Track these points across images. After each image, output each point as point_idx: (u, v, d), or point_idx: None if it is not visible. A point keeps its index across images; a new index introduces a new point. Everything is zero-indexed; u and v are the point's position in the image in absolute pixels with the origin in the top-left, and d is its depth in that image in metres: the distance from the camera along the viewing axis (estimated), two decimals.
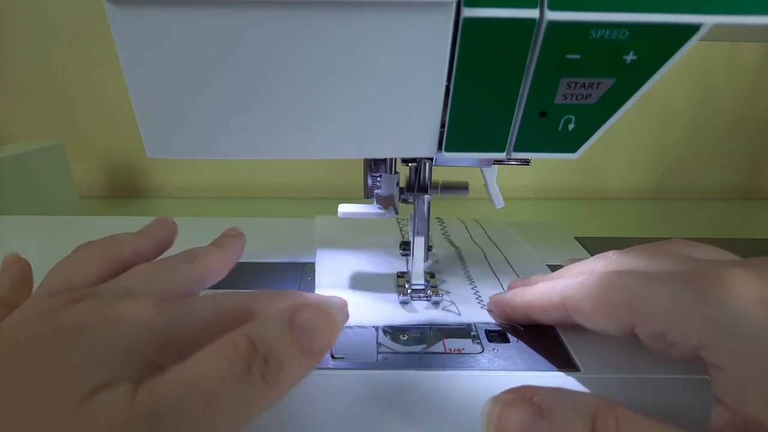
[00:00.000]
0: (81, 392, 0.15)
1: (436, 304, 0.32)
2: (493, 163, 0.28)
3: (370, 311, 0.31)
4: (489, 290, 0.33)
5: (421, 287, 0.32)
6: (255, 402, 0.17)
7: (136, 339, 0.18)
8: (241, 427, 0.17)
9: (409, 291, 0.32)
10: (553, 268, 0.37)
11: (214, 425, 0.16)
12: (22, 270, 0.24)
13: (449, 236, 0.44)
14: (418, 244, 0.31)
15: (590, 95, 0.21)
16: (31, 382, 0.15)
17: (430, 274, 0.35)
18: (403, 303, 0.32)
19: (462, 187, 0.31)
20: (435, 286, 0.33)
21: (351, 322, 0.30)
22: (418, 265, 0.32)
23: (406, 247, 0.33)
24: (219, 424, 0.16)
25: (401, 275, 0.35)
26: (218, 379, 0.16)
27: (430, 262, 0.36)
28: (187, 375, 0.16)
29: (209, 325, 0.20)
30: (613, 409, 0.17)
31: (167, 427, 0.15)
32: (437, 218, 0.46)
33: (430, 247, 0.32)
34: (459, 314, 0.31)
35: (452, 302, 0.33)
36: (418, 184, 0.30)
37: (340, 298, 0.27)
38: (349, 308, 0.30)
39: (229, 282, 0.34)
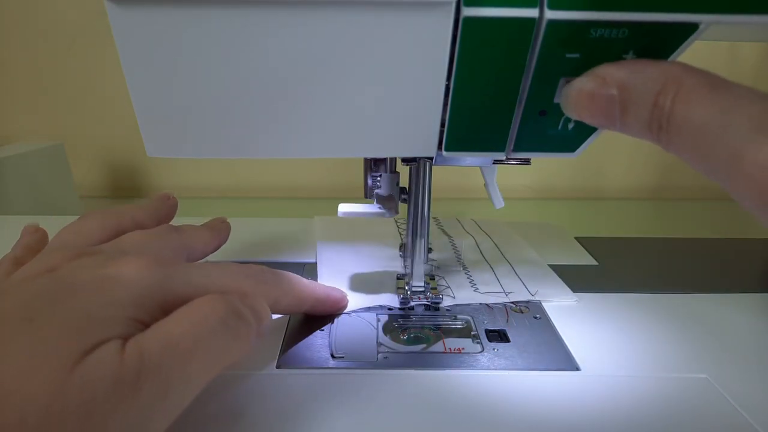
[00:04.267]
0: (76, 353, 0.16)
1: (435, 305, 0.32)
2: (493, 163, 0.28)
3: (370, 298, 0.32)
4: (481, 275, 0.35)
5: (421, 289, 0.32)
6: (229, 353, 0.20)
7: (127, 299, 0.19)
8: (216, 373, 0.20)
9: (409, 293, 0.32)
10: (554, 268, 0.37)
11: (190, 374, 0.18)
12: (39, 237, 0.26)
13: (442, 225, 0.45)
14: (418, 246, 0.31)
15: None
16: (30, 339, 0.16)
17: (429, 276, 0.35)
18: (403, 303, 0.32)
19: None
20: (435, 288, 0.33)
21: (351, 308, 0.31)
22: (417, 267, 0.32)
23: (405, 248, 0.33)
24: (196, 372, 0.19)
25: (401, 277, 0.35)
26: (196, 332, 0.19)
27: (429, 265, 0.37)
28: (168, 329, 0.19)
29: (198, 288, 0.21)
30: (677, 82, 0.17)
31: (153, 377, 0.17)
32: (434, 218, 0.46)
33: (430, 249, 0.33)
34: (454, 297, 0.32)
35: (447, 286, 0.34)
36: (417, 185, 0.30)
37: (339, 290, 0.30)
38: (351, 302, 0.31)
39: None
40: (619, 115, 0.19)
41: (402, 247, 0.33)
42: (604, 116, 0.19)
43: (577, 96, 0.20)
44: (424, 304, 0.32)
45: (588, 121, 0.20)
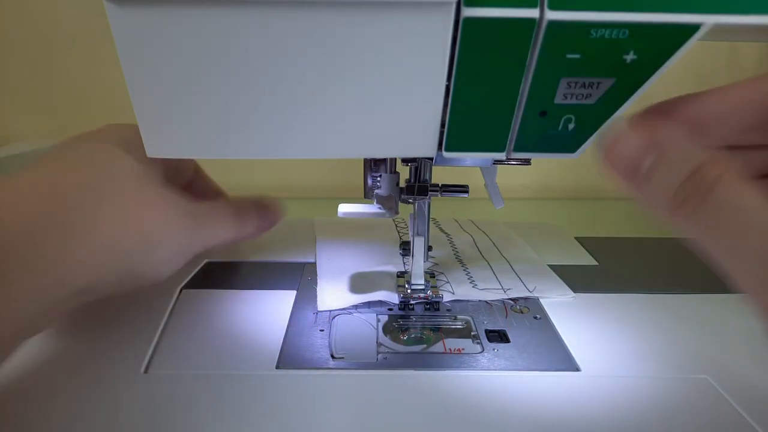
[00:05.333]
0: None
1: (436, 304, 0.32)
2: (493, 163, 0.28)
3: (369, 296, 0.32)
4: (480, 272, 0.36)
5: (421, 287, 0.32)
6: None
7: None
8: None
9: (409, 291, 0.32)
10: (554, 267, 0.37)
11: None
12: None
13: (440, 225, 0.46)
14: (418, 245, 0.31)
15: (590, 95, 0.21)
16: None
17: (430, 274, 0.35)
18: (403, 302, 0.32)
19: (462, 191, 0.31)
20: (435, 286, 0.33)
21: (350, 304, 0.31)
22: (417, 266, 0.32)
23: (406, 247, 0.33)
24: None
25: (401, 275, 0.35)
26: None
27: (429, 263, 0.37)
28: None
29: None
30: (718, 166, 0.17)
31: None
32: (432, 218, 0.46)
33: (430, 247, 0.33)
34: (453, 293, 0.32)
35: (447, 281, 0.34)
36: (418, 185, 0.30)
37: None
38: (350, 297, 0.32)
39: (229, 281, 0.34)
40: (647, 169, 0.18)
41: (402, 245, 0.33)
42: (629, 164, 0.19)
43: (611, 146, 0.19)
44: (424, 303, 0.32)
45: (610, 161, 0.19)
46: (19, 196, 0.22)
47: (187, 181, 0.33)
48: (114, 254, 0.23)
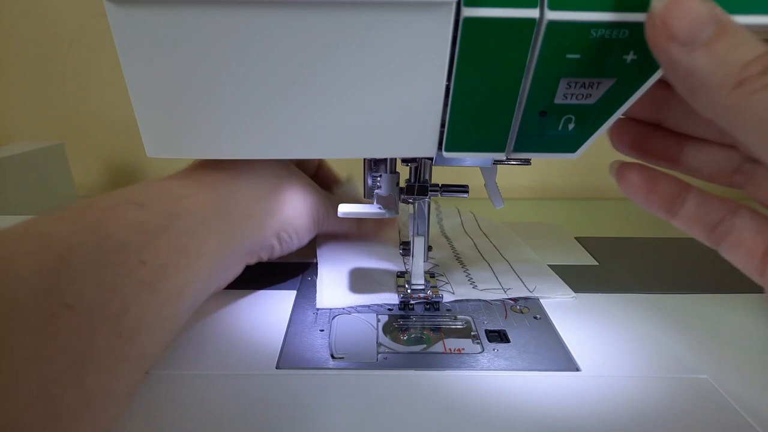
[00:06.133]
0: None
1: (435, 303, 0.32)
2: (493, 163, 0.28)
3: (369, 297, 0.32)
4: (480, 273, 0.36)
5: (421, 287, 0.32)
6: None
7: None
8: None
9: (409, 291, 0.32)
10: (554, 268, 0.37)
11: None
12: None
13: (441, 215, 0.46)
14: (418, 245, 0.31)
15: (590, 95, 0.21)
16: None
17: (429, 274, 0.35)
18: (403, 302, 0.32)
19: (462, 191, 0.31)
20: (435, 286, 0.33)
21: (350, 305, 0.31)
22: (418, 265, 0.32)
23: (406, 247, 0.33)
24: None
25: (401, 275, 0.35)
26: None
27: (429, 264, 0.37)
28: None
29: None
30: None
31: None
32: (434, 202, 0.47)
33: (430, 247, 0.33)
34: (453, 293, 0.33)
35: (447, 282, 0.34)
36: (418, 185, 0.30)
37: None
38: (350, 297, 0.32)
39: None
40: (706, 38, 0.17)
41: (402, 245, 0.33)
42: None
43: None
44: (424, 303, 0.32)
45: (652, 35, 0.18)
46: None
47: (312, 171, 0.40)
48: (277, 222, 0.31)
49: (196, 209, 0.26)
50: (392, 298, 0.32)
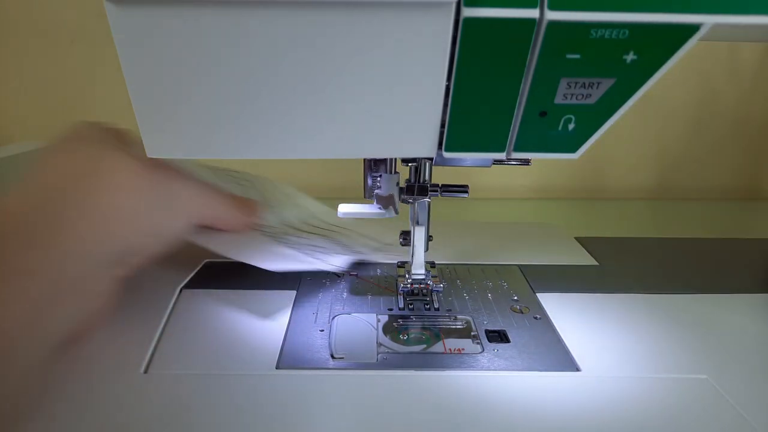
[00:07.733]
0: None
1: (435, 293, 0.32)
2: (493, 163, 0.28)
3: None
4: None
5: (422, 276, 0.32)
6: None
7: None
8: None
9: (409, 280, 0.32)
10: (554, 268, 0.37)
11: None
12: None
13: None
14: (419, 235, 0.31)
15: (590, 95, 0.21)
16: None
17: (430, 264, 0.35)
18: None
19: (462, 191, 0.31)
20: (435, 276, 0.33)
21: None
22: (418, 255, 0.32)
23: (406, 236, 0.33)
24: None
25: (401, 265, 0.35)
26: None
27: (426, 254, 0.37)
28: None
29: None
30: None
31: None
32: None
33: (431, 237, 0.32)
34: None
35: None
36: (418, 185, 0.30)
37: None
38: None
39: (229, 281, 0.34)
40: None
41: (402, 234, 0.33)
42: None
43: None
44: (412, 291, 0.32)
45: None
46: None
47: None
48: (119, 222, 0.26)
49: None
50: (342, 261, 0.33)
